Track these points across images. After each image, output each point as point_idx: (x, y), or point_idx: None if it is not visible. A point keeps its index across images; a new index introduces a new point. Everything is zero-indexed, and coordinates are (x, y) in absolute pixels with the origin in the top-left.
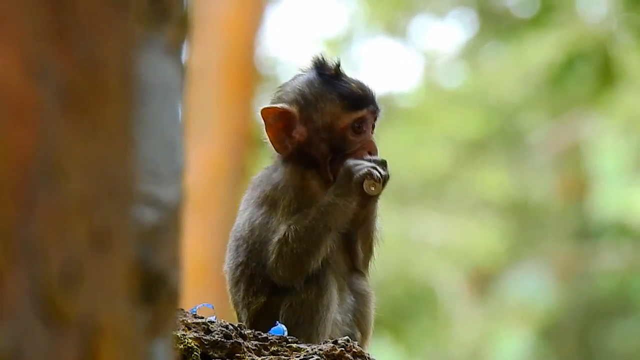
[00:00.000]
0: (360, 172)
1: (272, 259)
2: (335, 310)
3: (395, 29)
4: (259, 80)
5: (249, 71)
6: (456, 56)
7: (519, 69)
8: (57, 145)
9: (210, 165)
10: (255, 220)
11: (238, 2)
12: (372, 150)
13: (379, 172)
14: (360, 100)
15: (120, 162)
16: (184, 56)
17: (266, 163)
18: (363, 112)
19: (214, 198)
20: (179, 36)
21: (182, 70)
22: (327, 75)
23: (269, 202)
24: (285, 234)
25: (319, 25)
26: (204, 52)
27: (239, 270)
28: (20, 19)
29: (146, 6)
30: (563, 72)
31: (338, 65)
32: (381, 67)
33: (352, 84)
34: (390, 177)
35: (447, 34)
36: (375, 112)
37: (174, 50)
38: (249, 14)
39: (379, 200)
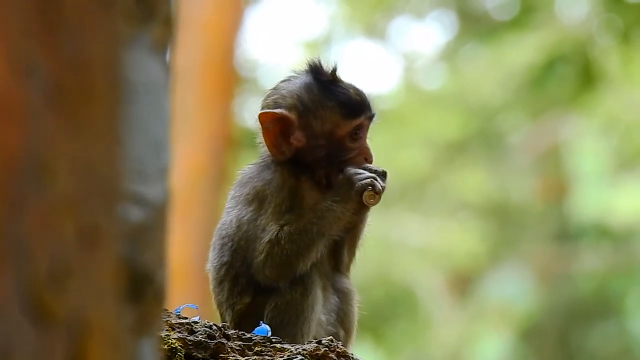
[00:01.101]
0: (362, 182)
1: (260, 258)
2: (320, 310)
3: (375, 30)
4: (239, 83)
5: (229, 73)
6: (436, 58)
7: (499, 70)
8: (44, 144)
9: (191, 167)
10: (244, 216)
11: (217, 4)
12: (368, 157)
13: (380, 184)
14: (358, 107)
15: (107, 160)
16: (170, 55)
17: (246, 164)
18: (361, 119)
19: (195, 199)
20: (164, 35)
21: (168, 69)
22: (324, 81)
23: (259, 199)
24: (277, 234)
25: (299, 27)
26: (184, 54)
27: (223, 269)
28: (7, 18)
29: (132, 5)
30: (543, 73)
31: (335, 71)
32: (361, 69)
33: (350, 90)
34: (386, 188)
35: (427, 35)
36: (372, 118)
37: (160, 49)
38: (229, 16)
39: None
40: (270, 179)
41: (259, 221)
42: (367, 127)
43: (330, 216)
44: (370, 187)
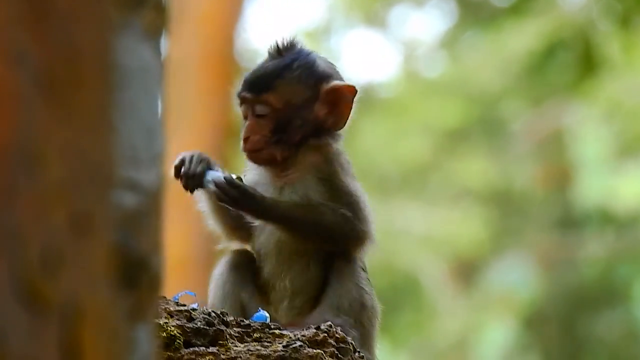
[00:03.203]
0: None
1: None
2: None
3: (375, 19)
4: (239, 73)
5: (228, 63)
6: (436, 45)
7: (499, 57)
8: (35, 131)
9: None
10: None
11: None
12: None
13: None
14: (242, 83)
15: (99, 147)
16: (163, 41)
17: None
18: (239, 95)
19: None
20: (156, 21)
21: (160, 55)
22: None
23: None
24: None
25: (299, 16)
26: (184, 44)
27: None
28: None
29: None
30: (544, 60)
31: (276, 46)
32: (361, 58)
33: (258, 66)
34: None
35: (427, 23)
36: (244, 96)
37: (152, 35)
38: (228, 6)
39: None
40: None
41: None
42: (251, 108)
43: None
44: None
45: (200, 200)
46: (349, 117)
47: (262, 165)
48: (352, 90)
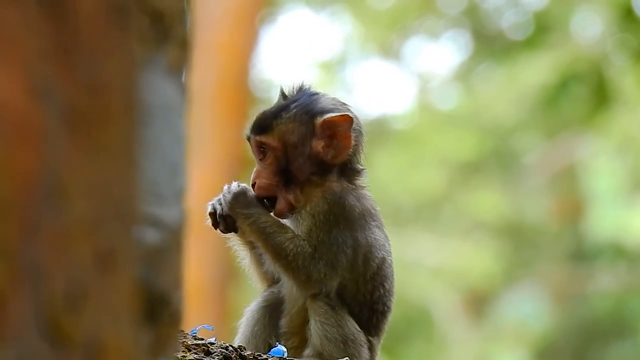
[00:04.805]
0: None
1: None
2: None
3: (390, 50)
4: (254, 103)
5: (243, 94)
6: (450, 78)
7: (513, 90)
8: (60, 166)
9: (205, 188)
10: None
11: (233, 25)
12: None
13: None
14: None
15: (123, 183)
16: (186, 77)
17: None
18: (245, 135)
19: None
20: (180, 57)
21: (184, 91)
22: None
23: None
24: None
25: (314, 47)
26: (199, 75)
27: None
28: (24, 41)
29: (148, 27)
30: (557, 93)
31: (284, 89)
32: (375, 89)
33: (264, 109)
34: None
35: (442, 55)
36: (249, 139)
37: (176, 71)
38: (244, 37)
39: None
40: None
41: None
42: (257, 149)
43: None
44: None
45: (235, 244)
46: (350, 147)
47: (288, 216)
48: (346, 120)
